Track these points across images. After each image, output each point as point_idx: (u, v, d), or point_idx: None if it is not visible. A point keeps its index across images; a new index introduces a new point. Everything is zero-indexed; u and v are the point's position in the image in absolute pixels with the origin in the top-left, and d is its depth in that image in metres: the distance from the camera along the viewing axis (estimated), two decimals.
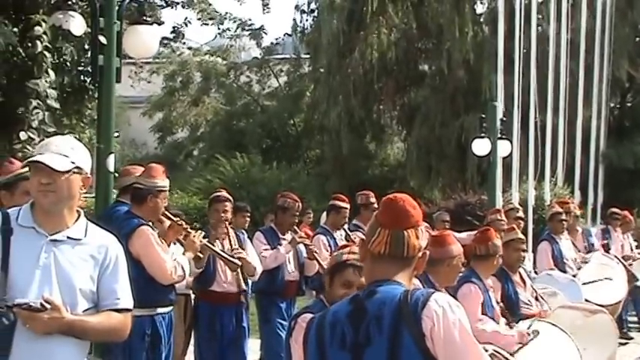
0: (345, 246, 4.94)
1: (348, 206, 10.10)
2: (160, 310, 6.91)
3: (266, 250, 9.08)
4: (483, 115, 18.36)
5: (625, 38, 26.28)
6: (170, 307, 7.08)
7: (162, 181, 6.93)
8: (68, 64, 9.34)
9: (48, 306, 3.79)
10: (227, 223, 8.41)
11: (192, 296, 8.95)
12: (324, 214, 15.12)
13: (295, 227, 9.31)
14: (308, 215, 14.99)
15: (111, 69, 9.02)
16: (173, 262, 6.79)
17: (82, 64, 9.76)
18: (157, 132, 35.70)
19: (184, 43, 26.49)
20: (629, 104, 30.16)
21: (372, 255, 3.27)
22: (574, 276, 10.62)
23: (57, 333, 3.85)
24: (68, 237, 3.97)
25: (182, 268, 6.87)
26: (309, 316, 4.31)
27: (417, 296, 3.12)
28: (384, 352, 3.10)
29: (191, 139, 35.51)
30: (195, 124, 35.27)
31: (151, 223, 6.92)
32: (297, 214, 9.35)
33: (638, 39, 28.82)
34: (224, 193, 8.56)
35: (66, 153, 3.97)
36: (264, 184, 23.98)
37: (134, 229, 6.74)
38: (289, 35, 33.40)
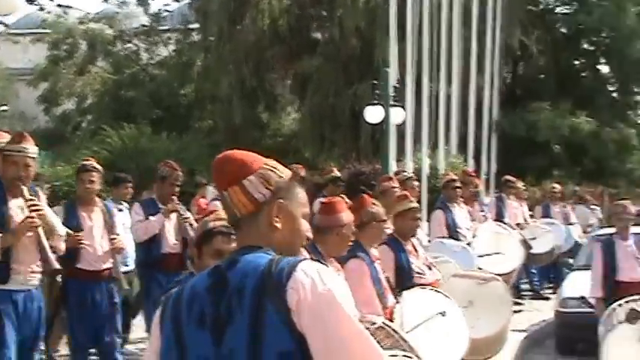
0: (210, 212, 4.43)
1: None
2: None
3: (139, 221, 8.74)
4: (375, 82, 18.04)
5: (517, 6, 26.34)
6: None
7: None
8: None
9: None
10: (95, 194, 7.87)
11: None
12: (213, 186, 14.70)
13: (174, 197, 8.79)
14: (204, 187, 14.64)
15: None
16: None
17: None
18: (43, 103, 34.78)
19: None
20: (521, 73, 30.40)
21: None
22: (468, 244, 10.48)
23: None
24: None
25: None
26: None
27: (282, 266, 2.66)
28: (245, 329, 2.63)
29: (78, 110, 34.74)
30: (83, 94, 34.38)
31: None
32: (177, 182, 8.85)
33: (529, 7, 28.98)
34: (92, 162, 7.94)
35: None
36: (153, 155, 23.25)
37: None
38: (177, 1, 32.70)
